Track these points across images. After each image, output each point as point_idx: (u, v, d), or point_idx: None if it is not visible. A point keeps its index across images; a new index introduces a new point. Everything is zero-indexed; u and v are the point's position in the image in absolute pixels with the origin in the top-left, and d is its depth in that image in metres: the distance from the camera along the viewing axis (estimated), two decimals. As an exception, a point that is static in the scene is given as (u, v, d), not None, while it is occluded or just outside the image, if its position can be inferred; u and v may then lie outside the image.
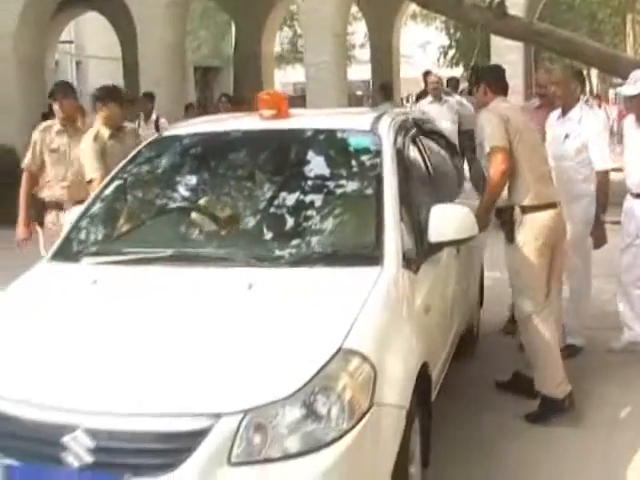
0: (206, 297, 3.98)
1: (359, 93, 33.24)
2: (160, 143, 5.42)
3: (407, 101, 13.31)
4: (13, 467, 3.31)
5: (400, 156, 4.87)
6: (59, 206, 7.05)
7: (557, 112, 6.64)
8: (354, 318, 3.64)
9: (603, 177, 6.40)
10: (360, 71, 30.49)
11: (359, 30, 30.95)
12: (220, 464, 3.17)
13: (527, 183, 5.59)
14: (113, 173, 5.21)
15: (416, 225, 4.56)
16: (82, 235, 4.83)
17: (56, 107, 7.24)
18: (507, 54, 12.52)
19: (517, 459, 5.01)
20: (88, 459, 3.21)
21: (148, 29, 14.97)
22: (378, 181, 4.60)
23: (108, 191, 5.09)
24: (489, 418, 5.56)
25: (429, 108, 12.30)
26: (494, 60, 13.44)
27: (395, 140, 4.94)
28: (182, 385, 3.36)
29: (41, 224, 7.29)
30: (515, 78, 12.74)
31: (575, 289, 6.78)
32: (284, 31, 32.54)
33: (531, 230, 5.57)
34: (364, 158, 4.92)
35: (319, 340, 3.52)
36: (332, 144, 5.13)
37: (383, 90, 13.95)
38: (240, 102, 12.88)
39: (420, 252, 4.48)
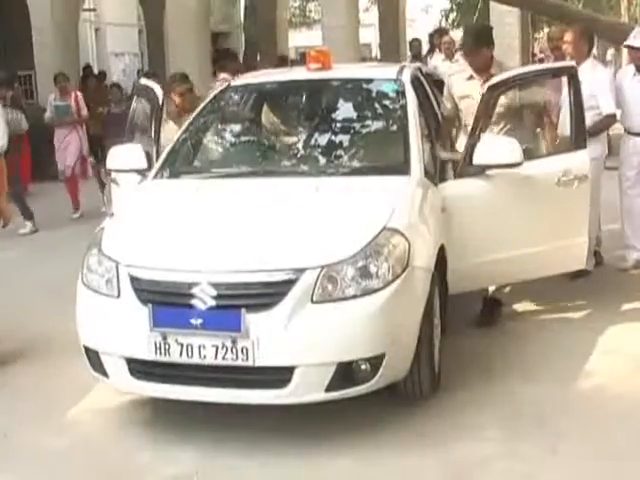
0: (285, 194, 5.49)
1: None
2: (230, 90, 6.85)
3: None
4: (157, 309, 4.74)
5: (418, 98, 6.29)
6: None
7: None
8: (393, 208, 5.10)
9: (611, 119, 7.63)
10: (364, 34, 31.52)
11: (362, -7, 31.98)
12: (305, 302, 4.61)
13: None
14: (195, 113, 6.63)
15: (432, 150, 6.01)
16: (176, 160, 6.25)
17: None
18: (505, 17, 13.78)
19: (515, 333, 6.47)
20: (212, 302, 4.65)
21: (175, -3, 16.19)
22: (404, 117, 6.05)
23: (192, 127, 6.51)
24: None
25: (441, 65, 13.64)
26: (493, 22, 14.70)
27: (414, 85, 6.37)
28: (277, 249, 4.84)
29: None
30: (512, 38, 14.05)
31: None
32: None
33: None
34: (392, 99, 6.41)
35: (369, 221, 4.99)
36: (368, 89, 6.66)
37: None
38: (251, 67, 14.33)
39: (442, 171, 5.94)
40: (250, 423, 4.97)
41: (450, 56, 13.75)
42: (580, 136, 6.41)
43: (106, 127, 12.46)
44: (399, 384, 5.02)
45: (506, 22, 13.79)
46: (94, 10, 26.67)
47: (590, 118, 7.46)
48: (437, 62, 13.73)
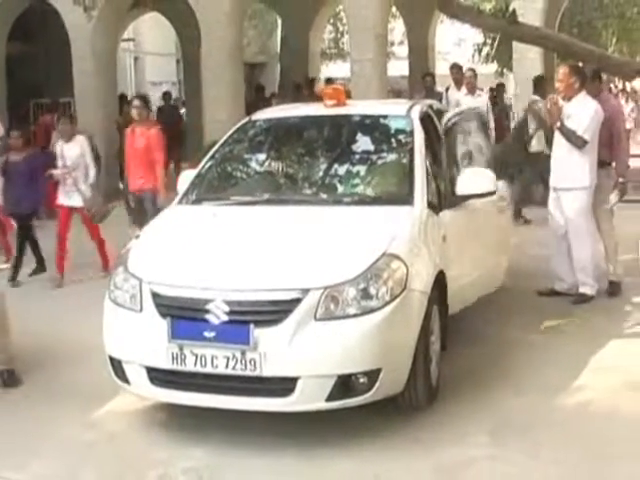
0: (294, 221, 6.00)
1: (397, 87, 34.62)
2: (250, 124, 7.37)
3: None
4: (175, 322, 5.23)
5: (426, 134, 6.77)
6: None
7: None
8: (394, 235, 5.60)
9: (579, 140, 8.06)
10: (399, 67, 32.05)
11: (398, 27, 32.47)
12: (309, 319, 5.09)
13: None
14: (218, 145, 7.14)
15: (436, 182, 6.50)
16: (198, 188, 6.76)
17: None
18: (527, 52, 14.18)
19: (511, 351, 6.89)
20: (225, 318, 5.13)
21: (211, 30, 16.71)
22: (411, 151, 6.54)
23: (214, 158, 7.02)
24: (496, 330, 7.42)
25: (463, 99, 14.01)
26: (516, 57, 15.15)
27: (422, 122, 6.85)
28: (284, 271, 5.33)
29: None
30: (535, 73, 14.42)
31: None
32: (327, 29, 34.26)
33: None
34: (401, 135, 6.89)
35: (371, 247, 5.46)
36: (378, 124, 7.16)
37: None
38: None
39: (441, 201, 6.40)
40: (257, 427, 5.45)
41: (472, 91, 14.17)
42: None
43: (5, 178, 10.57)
44: (397, 396, 5.46)
45: (528, 57, 14.20)
46: (133, 40, 27.46)
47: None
48: (459, 96, 14.13)
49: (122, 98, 19.47)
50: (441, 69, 26.30)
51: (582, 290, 8.34)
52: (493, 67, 33.22)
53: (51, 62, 20.00)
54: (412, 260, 5.51)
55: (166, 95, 21.58)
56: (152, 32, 28.40)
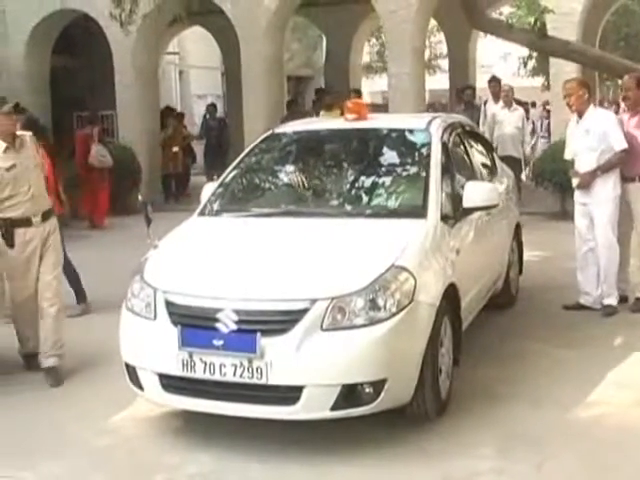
0: (308, 233, 6.10)
1: (443, 101, 34.62)
2: (273, 137, 7.50)
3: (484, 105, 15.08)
4: (186, 330, 5.33)
5: (444, 148, 6.85)
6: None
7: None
8: (404, 247, 5.66)
9: (622, 155, 8.15)
10: (444, 80, 32.02)
11: (444, 40, 32.45)
12: (315, 329, 5.16)
13: None
14: (239, 158, 7.26)
15: (453, 195, 6.55)
16: (219, 200, 6.90)
17: None
18: (564, 66, 14.10)
19: (526, 364, 6.88)
20: (234, 326, 5.22)
21: (250, 45, 16.87)
22: (427, 165, 6.61)
23: (235, 171, 7.16)
24: (516, 344, 7.44)
25: (499, 113, 14.08)
26: (553, 72, 15.10)
27: (442, 136, 6.93)
28: (293, 281, 5.42)
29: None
30: (570, 87, 14.32)
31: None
32: (372, 42, 34.35)
33: None
34: (419, 148, 6.95)
35: (380, 259, 5.53)
36: (397, 138, 7.23)
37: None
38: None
39: (456, 214, 6.46)
40: (263, 434, 5.55)
41: (509, 104, 14.19)
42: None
43: None
44: (406, 407, 5.51)
45: (564, 71, 14.12)
46: (178, 53, 27.75)
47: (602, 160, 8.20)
48: (496, 110, 14.15)
49: (166, 110, 19.74)
50: (484, 82, 26.20)
51: (607, 302, 8.37)
52: (539, 80, 33.14)
53: (94, 75, 20.28)
54: (421, 272, 5.56)
55: (211, 107, 21.63)
56: (197, 46, 28.62)
